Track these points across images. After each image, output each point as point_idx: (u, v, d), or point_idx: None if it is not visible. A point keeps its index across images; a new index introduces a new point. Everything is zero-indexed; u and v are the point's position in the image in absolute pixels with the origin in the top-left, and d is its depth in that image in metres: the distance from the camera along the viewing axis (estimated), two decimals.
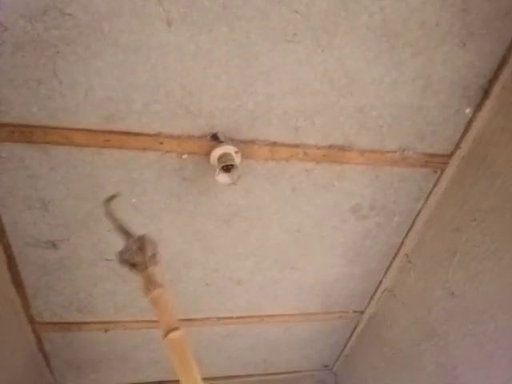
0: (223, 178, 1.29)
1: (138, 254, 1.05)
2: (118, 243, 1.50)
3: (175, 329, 0.95)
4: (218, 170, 1.26)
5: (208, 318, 1.96)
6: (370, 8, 1.12)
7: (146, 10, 1.03)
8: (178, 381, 2.39)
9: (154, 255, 1.07)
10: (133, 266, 1.06)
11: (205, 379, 2.50)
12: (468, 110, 1.41)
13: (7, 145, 1.20)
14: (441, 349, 1.70)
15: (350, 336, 2.36)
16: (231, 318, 2.00)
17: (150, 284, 1.02)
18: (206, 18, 1.06)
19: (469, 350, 1.58)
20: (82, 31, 1.03)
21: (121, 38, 1.06)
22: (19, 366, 1.76)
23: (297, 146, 1.37)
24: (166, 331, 0.95)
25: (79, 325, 1.82)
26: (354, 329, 2.30)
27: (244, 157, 1.34)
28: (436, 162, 1.52)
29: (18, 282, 1.58)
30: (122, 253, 1.08)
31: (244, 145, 1.32)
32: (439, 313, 1.69)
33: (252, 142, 1.33)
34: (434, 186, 1.60)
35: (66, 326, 1.82)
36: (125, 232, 1.14)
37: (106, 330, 1.88)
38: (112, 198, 1.22)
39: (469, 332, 1.56)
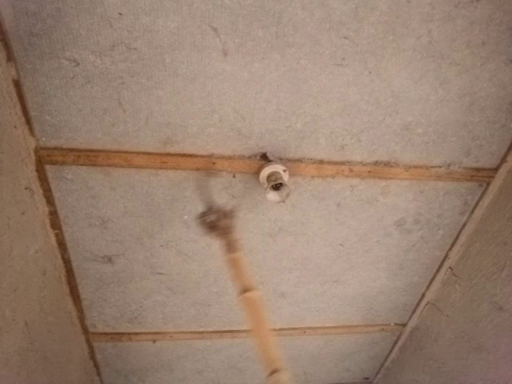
0: (273, 196, 1.33)
1: (224, 219, 1.20)
2: (168, 258, 1.58)
3: (253, 289, 1.01)
4: (268, 188, 1.31)
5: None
6: (417, 31, 1.15)
7: (204, 43, 1.10)
8: None
9: (235, 224, 1.22)
10: (215, 228, 1.19)
11: None
12: None
13: (73, 168, 1.30)
14: (490, 364, 1.67)
15: (392, 349, 2.34)
16: (274, 329, 2.03)
17: (231, 246, 1.14)
18: (259, 46, 1.12)
19: None
20: (146, 63, 1.11)
21: (180, 68, 1.13)
22: (73, 373, 1.85)
23: (343, 163, 1.41)
24: (243, 290, 1.01)
25: (129, 335, 1.90)
26: (396, 342, 2.29)
27: (291, 174, 1.39)
28: (482, 175, 1.52)
29: (75, 295, 1.67)
30: (205, 215, 1.22)
31: (291, 163, 1.37)
32: (487, 327, 1.67)
33: (299, 160, 1.38)
34: (480, 199, 1.60)
35: (117, 336, 1.90)
36: (210, 200, 1.29)
37: (155, 341, 1.95)
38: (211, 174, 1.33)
39: None
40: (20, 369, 1.30)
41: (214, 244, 1.59)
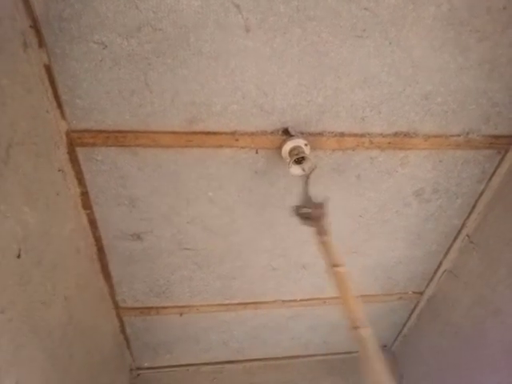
0: (296, 169, 1.37)
1: (317, 209, 1.35)
2: (194, 234, 1.64)
3: (341, 265, 1.20)
4: (290, 162, 1.35)
5: (274, 301, 2.08)
6: None
7: (227, 20, 1.11)
8: (243, 361, 2.54)
9: (327, 212, 1.36)
10: (309, 217, 1.35)
11: (268, 359, 2.64)
12: None
13: (102, 149, 1.34)
14: (508, 326, 1.73)
15: (409, 316, 2.41)
16: (295, 300, 2.11)
17: (322, 231, 1.31)
18: (280, 21, 1.14)
19: None
20: (171, 43, 1.14)
21: (204, 46, 1.16)
22: (106, 347, 1.95)
23: (363, 135, 1.44)
24: (333, 265, 1.20)
25: (157, 309, 1.99)
26: (413, 309, 2.36)
27: (312, 148, 1.42)
28: (500, 143, 1.54)
29: (106, 272, 1.75)
30: (301, 207, 1.39)
31: (313, 137, 1.40)
32: (505, 291, 1.72)
33: (320, 134, 1.41)
34: (498, 166, 1.62)
35: (145, 310, 1.99)
36: (308, 196, 1.42)
37: (181, 314, 2.04)
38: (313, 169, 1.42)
39: None
40: (61, 341, 1.39)
41: (238, 219, 1.64)
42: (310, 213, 1.35)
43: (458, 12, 1.19)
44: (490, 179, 1.67)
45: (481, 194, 1.73)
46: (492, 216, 1.74)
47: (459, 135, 1.49)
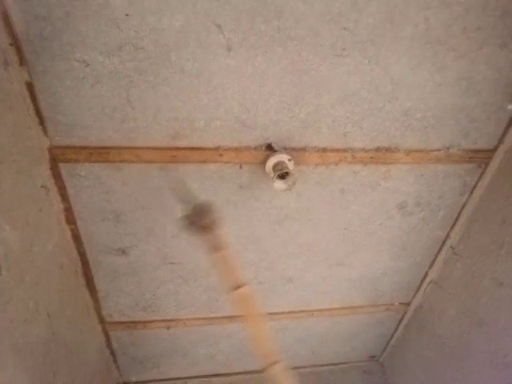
0: (279, 184, 1.38)
1: (205, 217, 1.17)
2: (180, 248, 1.64)
3: (243, 285, 1.04)
4: (274, 177, 1.36)
5: None
6: (414, 19, 1.18)
7: (208, 39, 1.13)
8: (230, 374, 2.52)
9: (217, 220, 1.19)
10: (200, 227, 1.17)
11: (254, 372, 2.63)
12: (510, 106, 1.45)
13: (86, 165, 1.34)
14: (491, 337, 1.74)
15: (397, 327, 2.42)
16: (283, 313, 2.11)
17: (217, 244, 1.13)
18: (262, 40, 1.16)
19: None
20: (153, 62, 1.15)
21: (186, 65, 1.17)
22: (91, 363, 1.93)
23: (345, 150, 1.46)
24: (233, 287, 1.04)
25: (144, 323, 1.98)
26: (401, 320, 2.37)
27: (296, 163, 1.43)
28: (480, 157, 1.57)
29: (91, 287, 1.74)
30: (189, 217, 1.19)
31: (296, 152, 1.42)
32: (488, 302, 1.74)
33: (303, 149, 1.42)
34: (479, 179, 1.65)
35: (132, 324, 1.97)
36: (188, 200, 1.25)
37: (168, 328, 2.03)
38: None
39: None
40: (44, 358, 1.37)
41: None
42: (197, 222, 1.17)
43: (435, 31, 1.22)
44: (472, 192, 1.70)
45: (463, 207, 1.76)
46: (474, 228, 1.77)
47: (440, 150, 1.52)
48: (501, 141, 1.53)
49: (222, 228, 1.19)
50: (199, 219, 1.17)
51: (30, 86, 1.15)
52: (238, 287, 1.04)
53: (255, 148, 1.40)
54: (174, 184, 1.27)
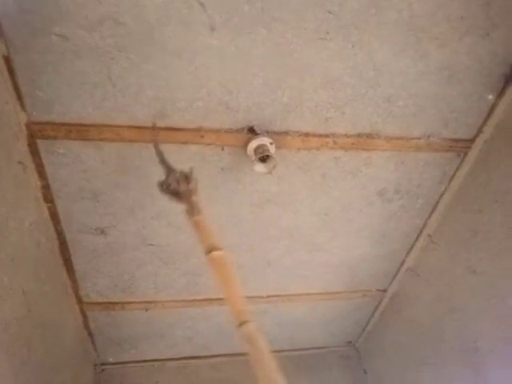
0: (260, 167, 1.39)
1: (183, 184, 1.21)
2: (159, 229, 1.64)
3: (218, 248, 1.07)
4: (255, 160, 1.36)
5: None
6: (398, 5, 1.19)
7: (191, 18, 1.12)
8: (208, 356, 2.54)
9: (196, 186, 1.24)
10: (177, 193, 1.22)
11: (233, 354, 2.66)
12: (490, 97, 1.47)
13: (65, 142, 1.32)
14: (462, 323, 1.80)
15: (373, 313, 2.47)
16: (261, 297, 2.13)
17: (194, 209, 1.17)
18: (245, 21, 1.15)
19: (489, 324, 1.68)
20: (134, 38, 1.13)
21: (168, 43, 1.15)
22: (68, 342, 1.92)
23: (327, 135, 1.46)
24: (209, 250, 1.08)
25: (122, 304, 1.98)
26: (377, 307, 2.42)
27: (277, 147, 1.43)
28: (459, 146, 1.60)
29: (69, 266, 1.72)
30: (166, 182, 1.23)
31: (278, 136, 1.42)
32: (461, 289, 1.79)
33: (285, 133, 1.43)
34: (457, 169, 1.68)
35: (110, 305, 1.97)
36: (168, 166, 1.28)
37: (147, 309, 2.03)
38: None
39: (489, 307, 1.66)
40: (18, 335, 1.36)
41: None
42: (177, 187, 1.21)
43: (419, 19, 1.23)
44: (451, 181, 1.73)
45: (441, 195, 1.79)
46: (451, 216, 1.81)
47: (420, 138, 1.54)
48: (480, 131, 1.56)
49: (199, 195, 1.23)
50: (177, 185, 1.21)
51: (7, 60, 1.12)
52: (212, 250, 1.07)
53: (237, 130, 1.39)
54: (156, 150, 1.29)
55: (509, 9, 1.26)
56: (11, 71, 1.15)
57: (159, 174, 1.43)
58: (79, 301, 1.90)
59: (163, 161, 1.29)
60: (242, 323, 0.96)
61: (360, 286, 2.23)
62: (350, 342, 2.74)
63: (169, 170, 1.26)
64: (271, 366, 0.89)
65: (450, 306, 1.88)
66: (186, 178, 1.23)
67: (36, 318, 1.47)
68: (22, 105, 1.22)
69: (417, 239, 1.98)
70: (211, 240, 1.11)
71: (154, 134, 1.31)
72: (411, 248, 2.02)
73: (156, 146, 1.30)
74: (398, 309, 2.29)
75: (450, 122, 1.51)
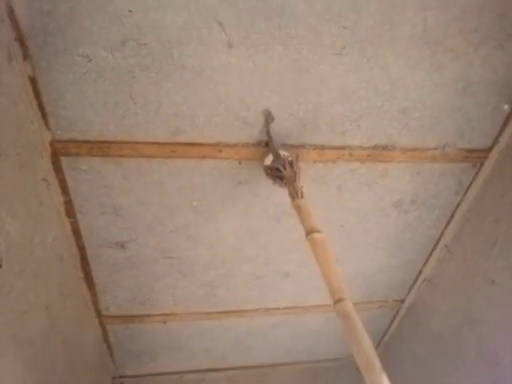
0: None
1: (288, 168, 1.32)
2: (178, 242, 1.66)
3: (318, 231, 1.14)
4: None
5: (257, 309, 2.10)
6: (412, 19, 1.21)
7: (210, 36, 1.15)
8: (226, 368, 2.54)
9: (299, 172, 1.33)
10: (281, 177, 1.33)
11: (251, 367, 2.64)
12: (506, 107, 1.47)
13: (87, 159, 1.36)
14: (482, 335, 1.78)
15: (390, 324, 2.45)
16: (278, 308, 2.13)
17: (297, 193, 1.25)
18: (263, 38, 1.18)
19: (510, 336, 1.65)
20: (155, 58, 1.17)
21: (188, 61, 1.19)
22: (87, 355, 1.94)
23: (343, 147, 1.48)
24: (309, 231, 1.14)
25: (141, 317, 1.99)
26: (394, 317, 2.40)
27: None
28: (475, 156, 1.59)
29: (89, 280, 1.75)
30: (272, 166, 1.35)
31: (294, 149, 1.44)
32: (480, 300, 1.77)
33: (302, 146, 1.44)
34: (474, 179, 1.68)
35: (129, 318, 1.99)
36: (275, 152, 1.35)
37: (165, 322, 2.04)
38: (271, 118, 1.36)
39: (510, 319, 1.63)
40: (43, 349, 1.39)
41: (221, 228, 1.66)
42: (282, 172, 1.31)
43: (433, 32, 1.25)
44: (467, 191, 1.73)
45: (458, 205, 1.79)
46: (468, 227, 1.80)
47: (436, 149, 1.54)
48: (496, 141, 1.56)
49: (300, 180, 1.31)
50: (283, 169, 1.31)
51: (33, 81, 1.16)
52: (312, 232, 1.13)
53: (254, 145, 1.41)
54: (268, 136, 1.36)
55: None
56: (36, 91, 1.19)
57: (178, 189, 1.47)
58: (99, 314, 1.93)
59: (272, 147, 1.35)
60: (338, 300, 0.99)
61: (376, 296, 2.22)
62: None
63: (276, 155, 1.34)
64: (366, 342, 0.90)
65: (468, 317, 1.85)
66: (291, 163, 1.32)
67: (59, 332, 1.49)
68: (47, 124, 1.26)
69: (433, 249, 1.97)
70: (312, 222, 1.17)
71: (269, 121, 1.36)
72: (428, 258, 2.01)
73: (268, 133, 1.36)
74: (415, 320, 2.27)
75: (465, 132, 1.52)
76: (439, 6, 1.19)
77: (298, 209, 1.22)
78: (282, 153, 1.36)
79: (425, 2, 1.18)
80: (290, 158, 1.34)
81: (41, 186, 1.32)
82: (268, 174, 1.35)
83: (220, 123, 1.34)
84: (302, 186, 1.28)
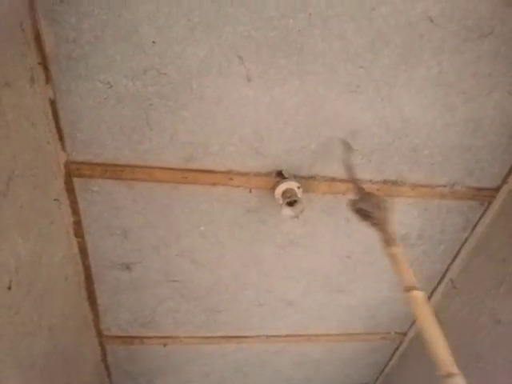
0: (288, 211, 1.41)
1: (377, 209, 1.17)
2: (183, 266, 1.66)
3: (416, 288, 1.03)
4: (283, 204, 1.39)
5: (258, 336, 2.08)
6: (428, 62, 1.23)
7: (229, 70, 1.17)
8: None
9: (391, 216, 1.19)
10: (367, 217, 1.18)
11: None
12: None
13: (99, 181, 1.37)
14: (487, 373, 1.75)
15: (392, 356, 2.42)
16: (279, 336, 2.11)
17: (390, 240, 1.13)
18: (280, 73, 1.20)
19: None
20: (174, 87, 1.19)
21: (206, 92, 1.21)
22: (86, 375, 1.92)
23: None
24: (410, 288, 1.03)
25: (141, 339, 1.97)
26: (396, 349, 2.37)
27: (304, 191, 1.46)
28: (483, 195, 1.60)
29: (92, 300, 1.74)
30: (357, 203, 1.21)
31: (305, 180, 1.45)
32: (485, 339, 1.75)
33: (313, 178, 1.46)
34: (481, 217, 1.68)
35: (129, 339, 1.97)
36: (360, 187, 1.26)
37: (165, 345, 2.02)
38: (350, 149, 1.30)
39: None
40: (44, 371, 1.37)
41: (227, 253, 1.66)
42: (370, 211, 1.17)
43: (447, 75, 1.27)
44: (474, 228, 1.73)
45: (465, 242, 1.78)
46: (475, 264, 1.79)
47: (445, 186, 1.55)
48: (504, 181, 1.57)
49: (393, 226, 1.18)
50: (373, 210, 1.18)
51: (52, 104, 1.18)
52: (411, 289, 1.03)
53: (266, 174, 1.43)
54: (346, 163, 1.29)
55: None
56: (55, 114, 1.21)
57: (187, 214, 1.48)
58: (99, 334, 1.91)
59: (355, 180, 1.28)
60: (448, 375, 0.94)
61: (379, 328, 2.19)
62: (367, 383, 2.68)
63: (362, 190, 1.24)
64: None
65: (473, 354, 1.83)
66: (382, 205, 1.19)
67: (60, 353, 1.48)
68: (63, 145, 1.28)
69: (439, 284, 1.96)
70: (410, 277, 1.07)
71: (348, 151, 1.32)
72: (433, 292, 2.00)
73: (346, 163, 1.31)
74: (417, 353, 2.24)
75: (474, 171, 1.53)
76: (454, 50, 1.22)
77: (393, 257, 1.12)
78: (370, 192, 1.24)
79: (441, 46, 1.20)
80: (381, 197, 1.21)
81: (52, 206, 1.33)
82: (354, 211, 1.21)
83: (233, 152, 1.35)
84: (394, 231, 1.15)
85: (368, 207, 1.18)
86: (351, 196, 1.24)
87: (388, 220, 1.17)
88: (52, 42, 1.08)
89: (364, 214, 1.19)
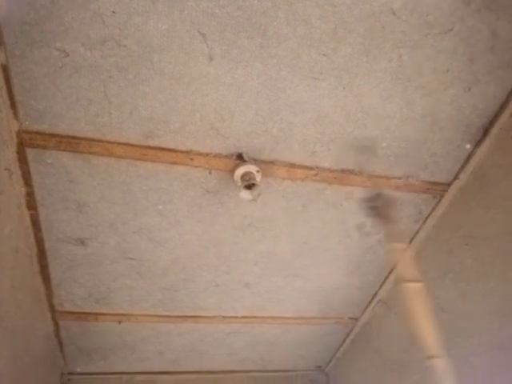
0: (245, 194, 1.42)
1: (390, 207, 1.26)
2: (140, 244, 1.65)
3: (416, 281, 1.14)
4: (241, 187, 1.39)
5: (214, 317, 2.11)
6: (389, 54, 1.25)
7: (191, 46, 1.16)
8: (178, 372, 2.52)
9: (397, 215, 1.28)
10: (378, 215, 1.27)
11: (203, 372, 2.64)
12: (468, 146, 1.55)
13: (54, 153, 1.33)
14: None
15: (344, 340, 2.51)
16: (236, 317, 2.15)
17: (394, 236, 1.22)
18: (243, 55, 1.20)
19: (453, 362, 1.72)
20: (134, 60, 1.16)
21: (167, 68, 1.19)
22: (36, 349, 1.89)
23: (312, 168, 1.51)
24: (407, 280, 1.15)
25: (96, 315, 1.96)
26: (348, 334, 2.45)
27: (264, 175, 1.47)
28: (436, 189, 1.67)
29: (45, 274, 1.71)
30: (369, 200, 1.29)
31: (265, 165, 1.46)
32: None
33: (272, 162, 1.47)
34: (433, 210, 1.75)
35: (83, 315, 1.95)
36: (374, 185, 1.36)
37: (120, 322, 2.02)
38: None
39: (455, 345, 1.71)
40: None
41: (185, 233, 1.66)
42: (380, 208, 1.26)
43: (407, 69, 1.30)
44: (425, 221, 1.80)
45: (416, 233, 1.85)
46: (424, 254, 1.87)
47: (400, 178, 1.60)
48: (456, 177, 1.63)
49: (398, 224, 1.26)
50: (385, 207, 1.26)
51: (5, 69, 1.13)
52: (410, 281, 1.15)
53: (226, 156, 1.43)
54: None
55: (490, 66, 1.34)
56: (7, 80, 1.16)
57: (145, 191, 1.46)
58: (52, 309, 1.88)
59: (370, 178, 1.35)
60: (431, 357, 1.10)
61: (333, 313, 2.26)
62: (320, 366, 2.76)
63: (374, 190, 1.32)
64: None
65: (416, 340, 1.92)
66: (391, 204, 1.27)
67: (7, 325, 1.45)
68: (15, 113, 1.23)
69: (390, 273, 2.03)
70: (410, 270, 1.17)
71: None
72: (384, 281, 2.07)
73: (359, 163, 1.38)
74: (367, 338, 2.33)
75: (429, 165, 1.58)
76: (415, 44, 1.25)
77: (396, 254, 1.21)
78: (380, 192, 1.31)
79: (402, 39, 1.23)
80: (391, 196, 1.29)
81: (3, 175, 1.28)
82: (367, 207, 1.30)
83: (194, 131, 1.34)
84: (400, 229, 1.25)
85: (379, 205, 1.27)
86: (362, 194, 1.34)
87: (395, 218, 1.26)
88: (4, 4, 1.03)
89: (375, 212, 1.29)
